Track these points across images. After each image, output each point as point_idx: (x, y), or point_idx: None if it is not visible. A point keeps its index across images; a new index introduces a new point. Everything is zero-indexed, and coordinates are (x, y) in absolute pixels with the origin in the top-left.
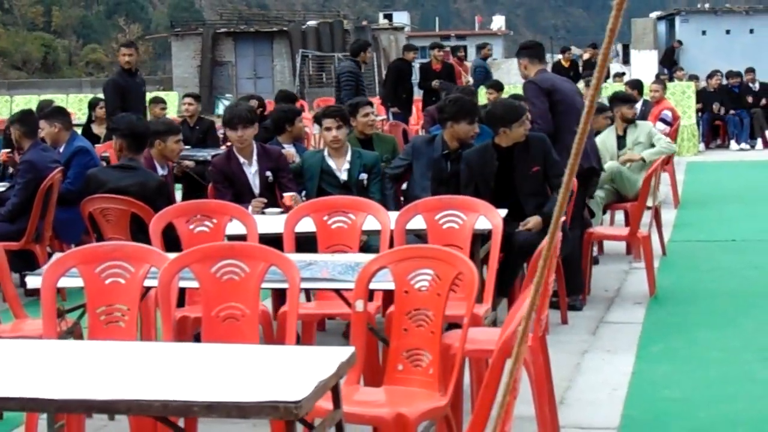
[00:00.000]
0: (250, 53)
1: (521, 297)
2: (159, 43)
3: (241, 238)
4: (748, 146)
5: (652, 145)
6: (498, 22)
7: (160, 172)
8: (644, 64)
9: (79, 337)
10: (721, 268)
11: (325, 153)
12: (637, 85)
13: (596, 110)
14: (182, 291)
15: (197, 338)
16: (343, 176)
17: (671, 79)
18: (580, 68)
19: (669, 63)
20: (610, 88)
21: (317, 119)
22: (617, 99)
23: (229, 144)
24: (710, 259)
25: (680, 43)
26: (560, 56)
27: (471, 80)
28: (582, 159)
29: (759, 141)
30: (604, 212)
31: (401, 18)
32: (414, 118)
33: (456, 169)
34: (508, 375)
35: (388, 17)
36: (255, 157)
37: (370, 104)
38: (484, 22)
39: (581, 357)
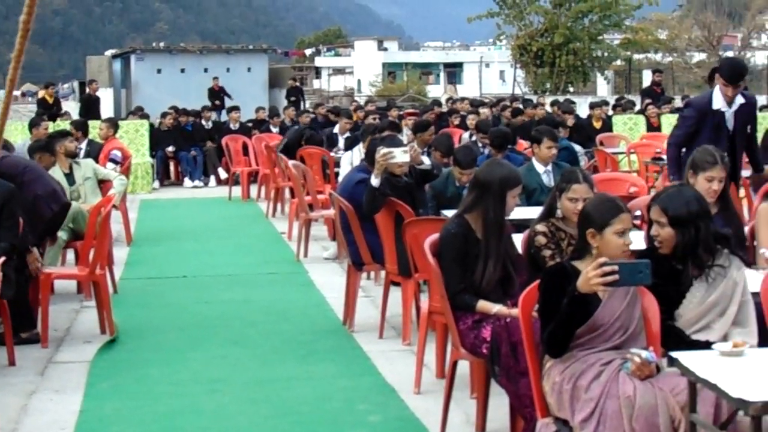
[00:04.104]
0: None
1: None
2: None
3: None
4: (201, 183)
5: (101, 182)
6: None
7: None
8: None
9: None
10: (172, 304)
11: None
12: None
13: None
14: None
15: None
16: None
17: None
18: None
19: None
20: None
21: None
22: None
23: None
24: (161, 296)
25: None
26: (43, 91)
27: None
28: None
29: (212, 178)
30: None
31: None
32: None
33: None
34: None
35: None
36: None
37: None
38: None
39: (28, 398)
